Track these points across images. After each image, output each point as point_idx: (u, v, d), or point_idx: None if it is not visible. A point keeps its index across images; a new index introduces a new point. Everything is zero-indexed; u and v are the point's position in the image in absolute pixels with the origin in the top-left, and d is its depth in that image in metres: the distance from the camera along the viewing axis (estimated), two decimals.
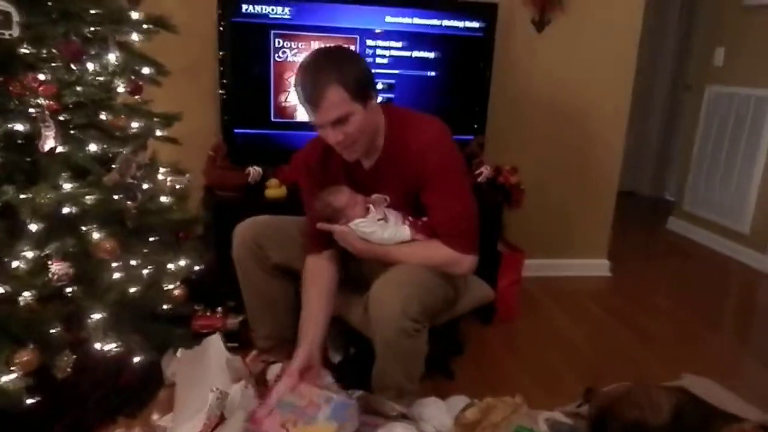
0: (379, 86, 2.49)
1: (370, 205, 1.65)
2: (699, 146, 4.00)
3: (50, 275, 1.43)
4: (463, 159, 1.72)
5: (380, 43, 2.49)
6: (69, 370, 1.48)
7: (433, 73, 2.57)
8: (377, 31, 2.47)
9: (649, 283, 3.26)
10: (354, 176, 1.70)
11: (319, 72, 1.48)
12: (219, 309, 2.17)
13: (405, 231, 1.63)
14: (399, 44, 2.50)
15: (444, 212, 1.61)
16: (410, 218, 1.66)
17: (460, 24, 2.54)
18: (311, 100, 1.49)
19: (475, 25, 2.55)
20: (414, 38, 2.51)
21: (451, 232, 1.60)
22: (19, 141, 1.49)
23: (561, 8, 2.82)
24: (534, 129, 2.97)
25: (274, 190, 2.39)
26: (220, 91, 2.43)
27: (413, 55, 2.53)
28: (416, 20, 2.50)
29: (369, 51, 2.48)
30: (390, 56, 2.51)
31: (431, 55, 2.55)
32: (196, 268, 2.00)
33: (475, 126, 2.65)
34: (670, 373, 2.06)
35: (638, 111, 4.25)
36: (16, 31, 1.36)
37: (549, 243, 3.13)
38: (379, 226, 1.62)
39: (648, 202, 5.15)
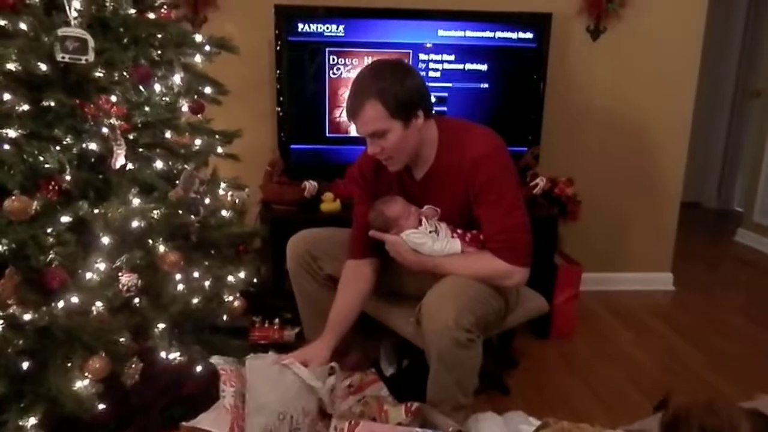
0: (431, 99, 2.50)
1: (423, 217, 1.66)
2: None
3: (120, 286, 1.50)
4: (517, 171, 1.71)
5: (433, 56, 2.50)
6: (137, 377, 1.54)
7: (486, 85, 2.56)
8: (428, 45, 2.49)
9: (717, 298, 3.10)
10: (406, 186, 1.73)
11: (362, 85, 1.55)
12: (276, 321, 2.22)
13: (456, 244, 1.63)
14: (451, 57, 2.51)
15: (496, 225, 1.60)
16: (459, 231, 1.66)
17: (513, 35, 2.52)
18: (350, 111, 1.57)
19: (529, 35, 2.53)
20: (466, 51, 2.52)
21: (502, 245, 1.59)
22: (92, 160, 1.57)
23: (617, 15, 2.76)
24: (591, 139, 2.90)
25: (330, 204, 2.43)
26: (277, 109, 2.50)
27: (466, 68, 2.53)
28: (468, 33, 2.50)
29: (422, 65, 2.50)
30: (443, 69, 2.52)
31: (484, 67, 2.54)
32: (254, 280, 2.05)
33: (530, 137, 2.62)
34: (741, 393, 1.95)
35: (702, 118, 4.07)
36: (91, 57, 1.45)
37: (608, 256, 3.04)
38: (430, 238, 1.63)
39: (714, 213, 4.93)
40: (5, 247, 1.38)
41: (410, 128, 1.56)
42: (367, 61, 2.44)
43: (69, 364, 1.42)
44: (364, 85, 1.54)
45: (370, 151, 1.61)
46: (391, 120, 1.53)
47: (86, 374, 1.42)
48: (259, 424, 1.46)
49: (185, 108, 1.83)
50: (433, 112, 1.65)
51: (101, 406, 1.48)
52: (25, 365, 1.42)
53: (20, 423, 1.39)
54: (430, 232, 1.64)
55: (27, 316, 1.38)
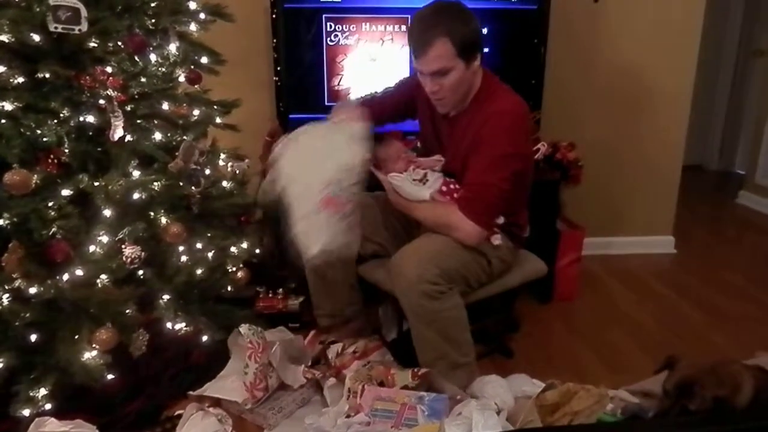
0: None
1: (413, 166, 1.73)
2: None
3: (123, 258, 1.51)
4: (528, 145, 1.75)
5: None
6: (144, 348, 1.56)
7: (486, 50, 2.50)
8: None
9: (719, 260, 3.11)
10: (436, 119, 1.79)
11: (431, 23, 1.56)
12: (280, 290, 2.23)
13: (424, 193, 1.69)
14: None
15: (473, 175, 1.64)
16: (452, 185, 1.70)
17: None
18: (417, 48, 1.58)
19: None
20: None
21: (468, 195, 1.63)
22: (90, 132, 1.56)
23: None
24: (592, 103, 2.87)
25: None
26: (275, 78, 2.47)
27: None
28: None
29: None
30: None
31: (484, 31, 2.48)
32: (257, 251, 2.06)
33: (531, 102, 2.57)
34: (742, 352, 1.97)
35: (704, 79, 4.03)
36: (84, 26, 1.42)
37: (610, 220, 3.04)
38: (409, 183, 1.70)
39: (716, 175, 4.90)
40: (7, 221, 1.38)
41: (470, 69, 1.61)
42: (366, 27, 2.40)
43: (77, 336, 1.44)
44: (433, 23, 1.56)
45: (428, 88, 1.64)
46: (456, 59, 1.57)
47: (94, 345, 1.44)
48: (315, 182, 1.57)
49: (182, 78, 1.81)
50: None
51: (110, 376, 1.50)
52: (34, 337, 1.44)
53: (31, 393, 1.42)
54: (413, 180, 1.70)
55: (32, 290, 1.39)
